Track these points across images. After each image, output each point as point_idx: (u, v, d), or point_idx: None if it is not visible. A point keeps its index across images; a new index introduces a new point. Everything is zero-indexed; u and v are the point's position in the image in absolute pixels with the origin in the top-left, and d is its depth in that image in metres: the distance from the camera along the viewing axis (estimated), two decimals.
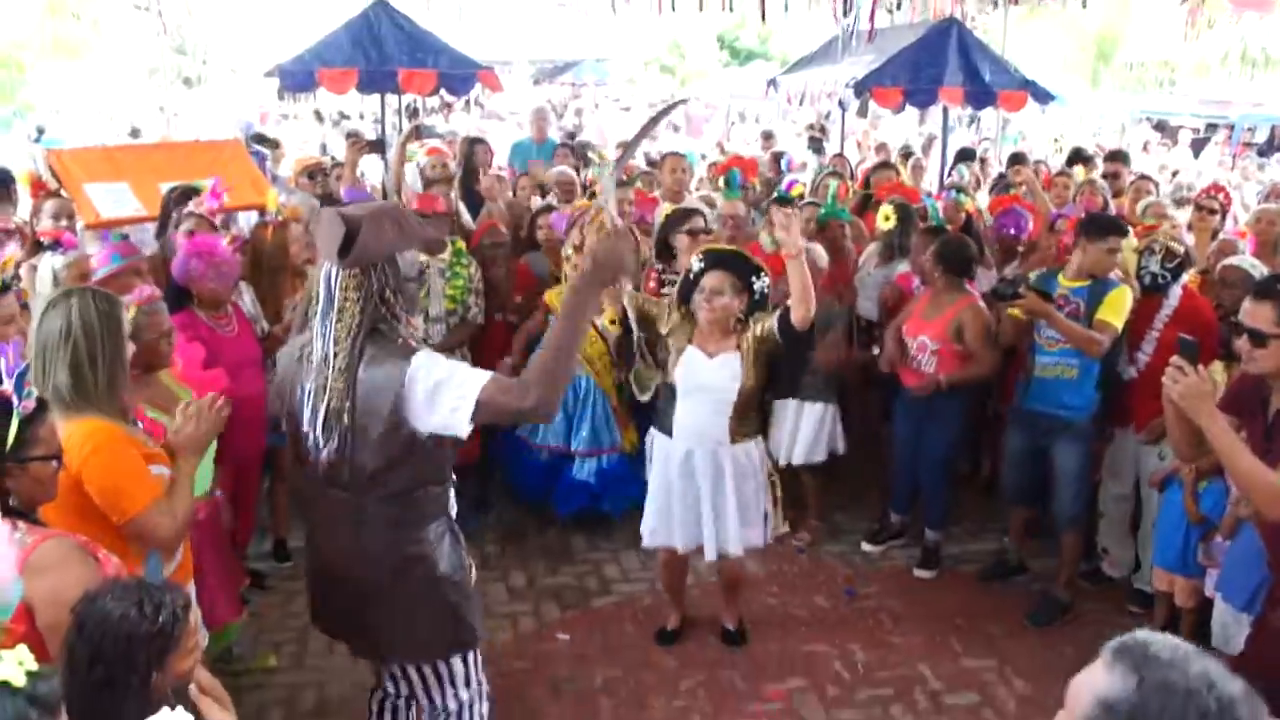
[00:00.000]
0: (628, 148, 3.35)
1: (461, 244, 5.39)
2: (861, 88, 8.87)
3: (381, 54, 8.47)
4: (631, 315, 4.21)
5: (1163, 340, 4.53)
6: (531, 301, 5.47)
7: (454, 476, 2.93)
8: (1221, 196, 6.31)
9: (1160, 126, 19.54)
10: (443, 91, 9.86)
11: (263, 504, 4.98)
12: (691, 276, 4.10)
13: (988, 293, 4.94)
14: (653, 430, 4.31)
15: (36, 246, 4.86)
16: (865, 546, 5.38)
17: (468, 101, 18.83)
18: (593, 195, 6.16)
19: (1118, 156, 8.32)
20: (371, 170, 8.36)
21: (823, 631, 4.62)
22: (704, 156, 10.53)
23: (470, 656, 3.00)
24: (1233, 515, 3.62)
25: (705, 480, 4.10)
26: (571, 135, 12.21)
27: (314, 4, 16.43)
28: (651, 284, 5.22)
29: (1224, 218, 6.29)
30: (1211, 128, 18.55)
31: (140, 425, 2.98)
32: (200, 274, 4.24)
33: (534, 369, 2.59)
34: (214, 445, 3.20)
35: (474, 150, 7.79)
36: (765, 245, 5.14)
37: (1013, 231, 5.90)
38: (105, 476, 2.65)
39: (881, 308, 5.64)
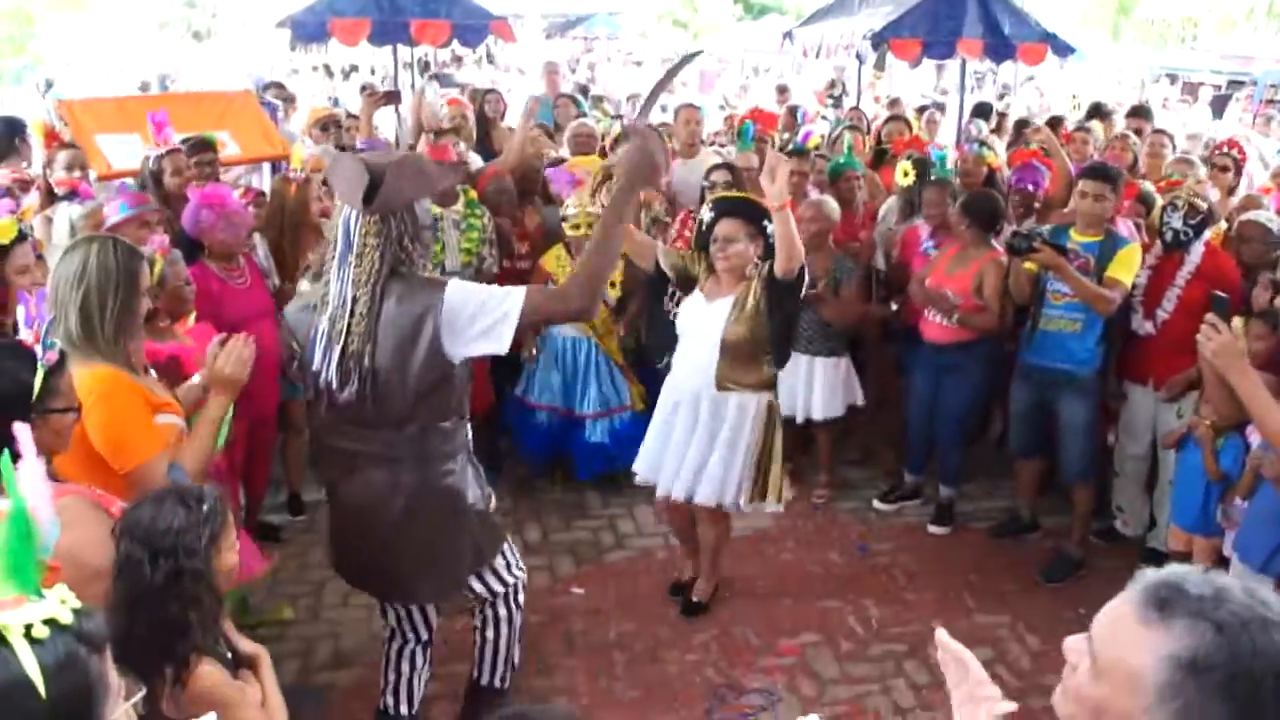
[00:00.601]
0: (646, 102, 3.32)
1: (474, 193, 5.34)
2: (879, 39, 8.70)
3: (394, 4, 8.34)
4: (667, 268, 4.20)
5: (1184, 297, 4.48)
6: (538, 255, 5.42)
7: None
8: (1236, 152, 6.21)
9: (1178, 82, 19.11)
10: (455, 44, 9.76)
11: (276, 458, 4.98)
12: (704, 227, 4.08)
13: (1002, 246, 4.88)
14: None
15: (50, 198, 4.83)
16: (878, 505, 5.38)
17: (479, 58, 18.66)
18: (603, 153, 6.09)
19: (1140, 112, 8.17)
20: (384, 124, 8.28)
21: (836, 587, 4.63)
22: (722, 107, 10.37)
23: (505, 548, 3.19)
24: (1251, 474, 3.59)
25: (688, 422, 4.10)
26: (584, 90, 12.07)
27: None
28: (681, 241, 5.19)
29: (1238, 174, 6.19)
30: (1234, 84, 18.13)
31: (152, 373, 2.96)
32: (210, 225, 4.22)
33: (574, 276, 2.77)
34: None
35: (486, 101, 7.75)
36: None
37: (1030, 187, 5.82)
38: (109, 425, 2.61)
39: (887, 259, 5.61)
